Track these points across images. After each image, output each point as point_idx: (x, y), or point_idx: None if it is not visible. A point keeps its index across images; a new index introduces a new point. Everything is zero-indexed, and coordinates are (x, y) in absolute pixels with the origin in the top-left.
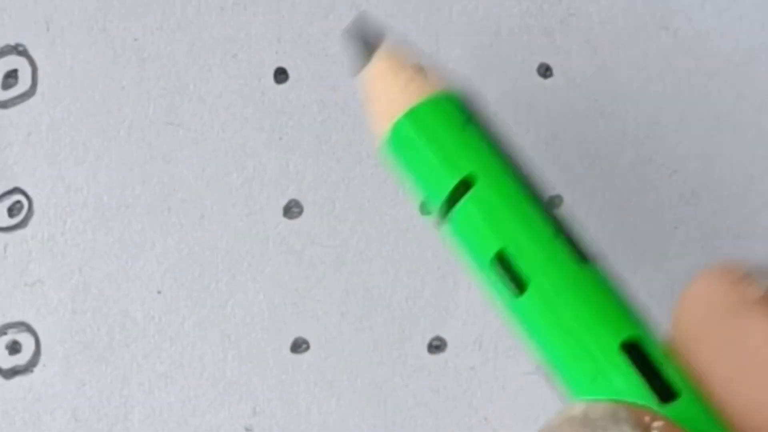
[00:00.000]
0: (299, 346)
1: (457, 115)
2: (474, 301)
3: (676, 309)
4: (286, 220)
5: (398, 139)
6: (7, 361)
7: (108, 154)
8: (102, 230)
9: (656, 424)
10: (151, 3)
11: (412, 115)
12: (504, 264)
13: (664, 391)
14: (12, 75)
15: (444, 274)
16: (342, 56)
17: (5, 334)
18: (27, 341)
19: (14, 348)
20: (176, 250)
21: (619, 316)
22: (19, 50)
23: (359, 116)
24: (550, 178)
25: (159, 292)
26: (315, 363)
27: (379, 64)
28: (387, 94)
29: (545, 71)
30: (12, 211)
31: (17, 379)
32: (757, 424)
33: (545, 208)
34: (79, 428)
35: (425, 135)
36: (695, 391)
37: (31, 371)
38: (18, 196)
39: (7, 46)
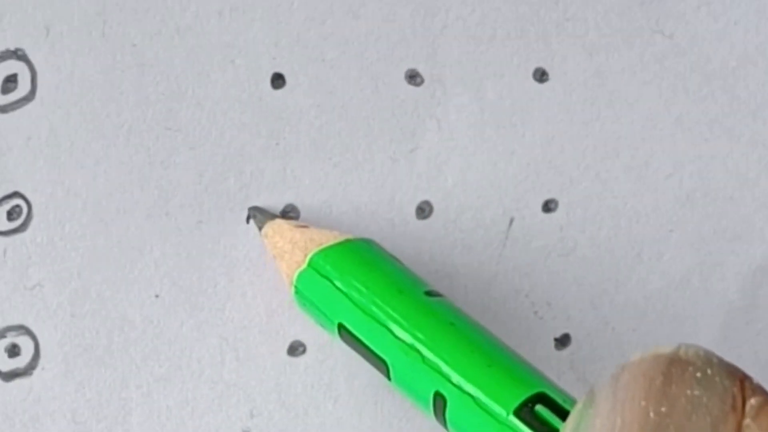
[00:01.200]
0: (296, 349)
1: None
2: (470, 305)
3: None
4: None
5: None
6: (6, 364)
7: (107, 158)
8: (101, 234)
9: (753, 401)
10: (150, 8)
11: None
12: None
13: None
14: (11, 79)
15: (440, 277)
16: (339, 61)
17: (4, 337)
18: (26, 344)
19: (13, 351)
20: (174, 254)
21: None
22: (18, 55)
23: (356, 121)
24: (546, 181)
25: (157, 296)
26: (312, 366)
27: (277, 222)
28: (291, 245)
29: (541, 75)
30: (11, 215)
31: (16, 382)
32: None
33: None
34: (78, 430)
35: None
36: None
37: (30, 374)
38: (17, 200)
39: (7, 50)
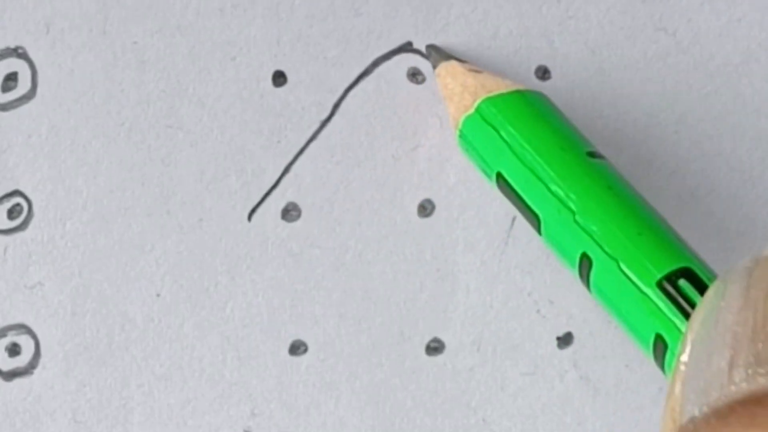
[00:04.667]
0: (297, 348)
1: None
2: (472, 303)
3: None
4: (284, 223)
5: (472, 127)
6: (6, 363)
7: (108, 156)
8: (101, 233)
9: None
10: (151, 6)
11: (484, 106)
12: None
13: None
14: (12, 78)
15: (442, 275)
16: (341, 59)
17: (5, 336)
18: (27, 343)
19: (14, 350)
20: (175, 252)
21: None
22: (18, 53)
23: (358, 119)
24: None
25: (158, 295)
26: (313, 365)
27: (451, 63)
28: (461, 88)
29: (543, 73)
30: (12, 213)
31: (17, 381)
32: None
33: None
34: (79, 429)
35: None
36: None
37: (31, 373)
38: (18, 199)
39: (7, 48)
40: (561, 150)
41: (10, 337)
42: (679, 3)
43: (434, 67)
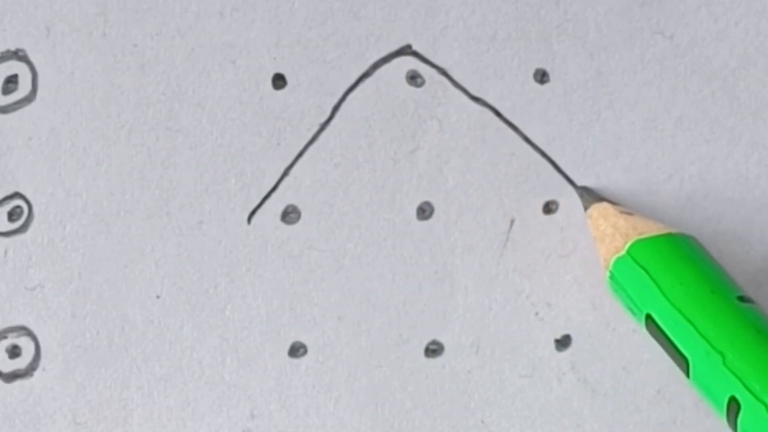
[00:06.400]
0: (297, 350)
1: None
2: (471, 306)
3: None
4: (283, 225)
5: (622, 270)
6: (7, 365)
7: (107, 158)
8: (101, 235)
9: None
10: (151, 9)
11: (634, 249)
12: None
13: None
14: (12, 80)
15: (441, 278)
16: (340, 62)
17: (5, 338)
18: (27, 345)
19: (14, 352)
20: (175, 254)
21: None
22: (19, 55)
23: (357, 121)
24: (546, 182)
25: (158, 297)
26: (313, 367)
27: (603, 205)
28: (613, 230)
29: (542, 77)
30: (12, 215)
31: (17, 383)
32: None
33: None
34: (79, 431)
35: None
36: None
37: (31, 375)
38: (18, 201)
39: (8, 51)
40: (711, 293)
41: (11, 339)
42: (676, 6)
43: (585, 208)
